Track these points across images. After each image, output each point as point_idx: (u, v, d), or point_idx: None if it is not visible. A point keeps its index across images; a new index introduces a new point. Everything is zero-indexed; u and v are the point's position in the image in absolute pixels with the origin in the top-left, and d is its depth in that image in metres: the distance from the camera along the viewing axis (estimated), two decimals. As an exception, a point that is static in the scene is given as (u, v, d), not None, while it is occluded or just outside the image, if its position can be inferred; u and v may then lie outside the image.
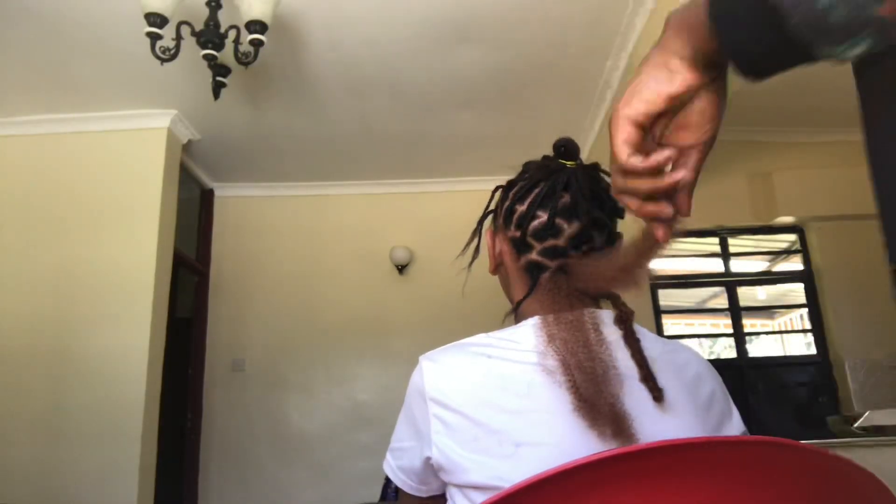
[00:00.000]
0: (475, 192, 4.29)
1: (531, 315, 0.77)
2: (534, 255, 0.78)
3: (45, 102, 3.29)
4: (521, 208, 0.80)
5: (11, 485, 2.97)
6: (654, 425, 0.66)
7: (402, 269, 4.41)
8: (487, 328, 0.77)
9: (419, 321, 4.30)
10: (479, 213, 0.91)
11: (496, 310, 0.88)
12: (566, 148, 0.82)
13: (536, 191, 0.79)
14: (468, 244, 0.88)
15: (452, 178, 4.45)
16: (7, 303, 3.21)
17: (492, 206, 0.88)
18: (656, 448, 0.59)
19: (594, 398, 0.66)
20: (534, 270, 0.79)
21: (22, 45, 2.77)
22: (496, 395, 0.68)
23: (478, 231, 0.89)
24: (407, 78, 3.15)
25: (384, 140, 3.87)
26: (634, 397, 0.68)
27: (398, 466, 0.75)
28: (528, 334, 0.73)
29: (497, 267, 0.87)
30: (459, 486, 0.67)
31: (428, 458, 0.69)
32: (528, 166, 0.84)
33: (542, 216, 0.78)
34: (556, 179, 0.79)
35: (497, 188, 0.87)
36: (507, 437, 0.65)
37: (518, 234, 0.80)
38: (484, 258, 0.87)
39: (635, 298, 0.76)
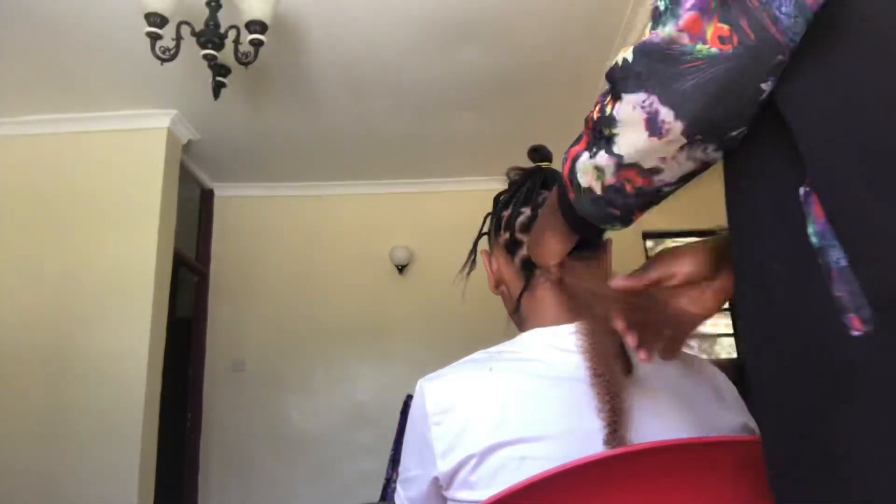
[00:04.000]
0: (475, 192, 4.29)
1: (532, 322, 0.77)
2: (524, 250, 0.81)
3: (45, 102, 3.29)
4: (507, 212, 0.84)
5: (11, 485, 2.97)
6: (658, 424, 0.66)
7: (402, 269, 4.40)
8: (487, 328, 0.78)
9: (419, 321, 4.29)
10: (480, 213, 0.92)
11: (495, 310, 0.89)
12: (539, 152, 0.88)
13: (518, 193, 0.84)
14: (465, 264, 0.91)
15: (452, 178, 4.45)
16: (7, 303, 3.21)
17: (485, 229, 0.91)
18: (649, 449, 0.59)
19: (596, 400, 0.66)
20: (527, 267, 0.81)
21: (22, 45, 2.77)
22: (503, 409, 0.67)
23: (473, 251, 0.92)
24: (407, 78, 3.15)
25: (384, 140, 3.87)
26: (634, 399, 0.68)
27: (408, 498, 0.75)
28: (527, 346, 0.73)
29: (497, 285, 0.88)
30: (460, 502, 0.67)
31: (436, 479, 0.69)
32: (507, 175, 0.88)
33: (526, 211, 0.81)
34: (534, 179, 0.83)
35: (488, 214, 0.90)
36: (514, 451, 0.64)
37: (507, 234, 0.83)
38: (481, 269, 0.90)
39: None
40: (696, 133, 0.46)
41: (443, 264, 4.21)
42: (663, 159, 0.50)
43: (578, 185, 0.58)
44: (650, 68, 0.46)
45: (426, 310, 4.29)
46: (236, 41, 2.39)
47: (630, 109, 0.48)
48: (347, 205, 4.56)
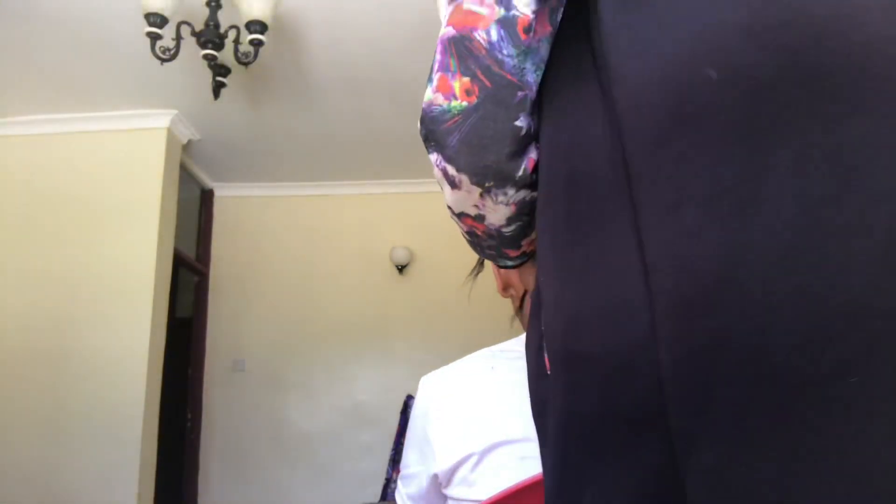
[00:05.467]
0: (475, 192, 4.29)
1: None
2: None
3: (45, 102, 3.29)
4: None
5: (11, 485, 2.97)
6: None
7: (402, 269, 4.40)
8: (487, 328, 0.78)
9: (419, 321, 4.29)
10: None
11: (496, 310, 0.89)
12: None
13: None
14: (474, 268, 0.90)
15: (452, 178, 4.44)
16: (7, 303, 3.21)
17: None
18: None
19: None
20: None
21: (22, 44, 2.77)
22: (504, 407, 0.67)
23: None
24: (407, 78, 3.15)
25: (384, 140, 3.87)
26: None
27: (407, 495, 0.75)
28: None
29: (505, 287, 0.87)
30: (459, 500, 0.67)
31: (435, 476, 0.69)
32: None
33: None
34: None
35: None
36: (514, 450, 0.64)
37: None
38: (488, 270, 0.89)
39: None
40: (482, 181, 0.49)
41: (443, 264, 4.23)
42: (476, 206, 0.52)
43: (462, 232, 0.62)
44: (427, 131, 0.49)
45: (426, 310, 4.29)
46: (236, 41, 2.39)
47: (434, 168, 0.52)
48: (347, 205, 4.56)
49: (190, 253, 4.30)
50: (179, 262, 3.87)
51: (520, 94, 0.45)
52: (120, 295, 3.19)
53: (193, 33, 2.34)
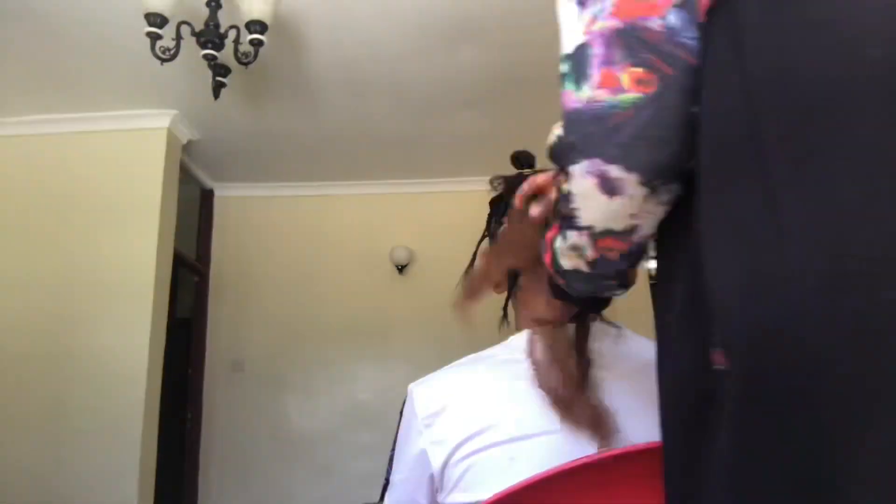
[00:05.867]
0: (475, 192, 4.28)
1: (520, 324, 0.78)
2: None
3: (45, 102, 3.29)
4: (495, 223, 0.85)
5: (11, 485, 2.97)
6: (639, 423, 0.67)
7: (402, 269, 4.40)
8: (486, 328, 0.78)
9: (419, 321, 4.29)
10: (480, 212, 0.92)
11: (496, 310, 0.89)
12: (519, 159, 0.89)
13: (500, 205, 0.84)
14: (468, 268, 0.90)
15: (452, 178, 4.44)
16: (7, 303, 3.21)
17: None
18: (644, 450, 0.59)
19: (572, 402, 0.66)
20: (512, 276, 0.81)
21: (22, 45, 2.77)
22: (492, 410, 0.68)
23: (475, 254, 0.92)
24: (407, 78, 3.15)
25: (384, 140, 3.87)
26: (617, 398, 0.68)
27: (396, 502, 0.75)
28: (515, 346, 0.74)
29: (498, 285, 0.87)
30: None
31: (424, 482, 0.69)
32: (491, 184, 0.88)
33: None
34: (516, 188, 0.83)
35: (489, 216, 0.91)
36: (503, 451, 0.65)
37: None
38: None
39: (634, 300, 0.76)
40: (653, 178, 0.45)
41: (443, 264, 4.21)
42: (633, 215, 0.48)
43: (564, 269, 0.56)
44: (583, 134, 0.46)
45: (426, 310, 4.28)
46: (236, 41, 2.39)
47: (581, 180, 0.47)
48: (348, 205, 4.56)
49: (190, 253, 4.31)
50: (179, 262, 3.88)
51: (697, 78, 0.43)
52: (120, 295, 3.19)
53: (193, 33, 2.34)
